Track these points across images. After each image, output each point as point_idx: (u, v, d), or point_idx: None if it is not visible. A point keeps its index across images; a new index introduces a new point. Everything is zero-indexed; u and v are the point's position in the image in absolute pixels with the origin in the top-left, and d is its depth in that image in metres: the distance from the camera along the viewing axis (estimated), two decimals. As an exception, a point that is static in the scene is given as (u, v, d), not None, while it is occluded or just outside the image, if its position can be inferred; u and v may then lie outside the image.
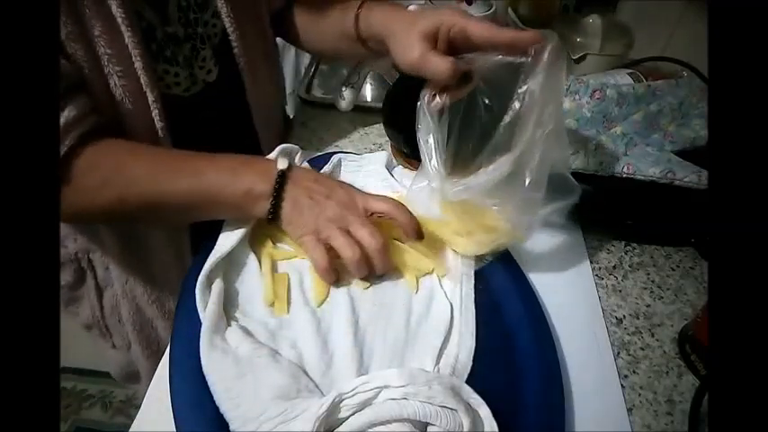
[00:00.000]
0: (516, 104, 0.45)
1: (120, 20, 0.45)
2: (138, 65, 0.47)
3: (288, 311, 0.46)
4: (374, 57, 0.60)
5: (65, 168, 0.44)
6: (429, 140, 0.47)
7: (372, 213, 0.48)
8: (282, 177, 0.47)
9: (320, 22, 0.64)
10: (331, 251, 0.47)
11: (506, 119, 0.45)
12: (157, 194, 0.47)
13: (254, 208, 0.48)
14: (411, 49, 0.47)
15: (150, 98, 0.49)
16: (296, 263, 0.51)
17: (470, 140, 0.50)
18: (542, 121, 0.44)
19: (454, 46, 0.47)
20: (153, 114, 0.50)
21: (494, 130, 0.47)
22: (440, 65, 0.45)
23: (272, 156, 0.53)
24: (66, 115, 0.44)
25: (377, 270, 0.48)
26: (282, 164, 0.48)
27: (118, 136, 0.49)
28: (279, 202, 0.47)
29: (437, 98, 0.47)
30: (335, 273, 0.48)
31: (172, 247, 0.62)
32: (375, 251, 0.46)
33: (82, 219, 0.55)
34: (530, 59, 0.44)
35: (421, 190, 0.50)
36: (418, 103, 0.48)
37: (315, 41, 0.67)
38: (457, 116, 0.49)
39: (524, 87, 0.44)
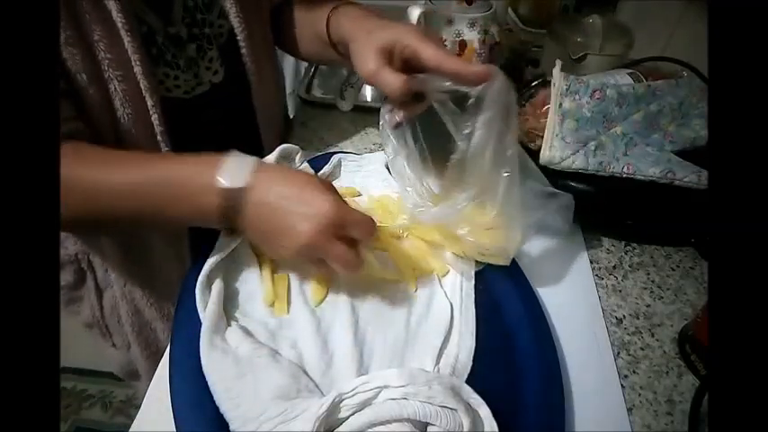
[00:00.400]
0: (463, 142, 0.45)
1: (119, 24, 0.45)
2: (137, 69, 0.47)
3: (288, 311, 0.46)
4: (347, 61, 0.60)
5: None
6: (395, 158, 0.48)
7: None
8: (242, 194, 0.42)
9: (300, 25, 0.65)
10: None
11: (455, 157, 0.46)
12: (110, 188, 0.44)
13: (207, 200, 0.42)
14: (367, 61, 0.48)
15: (150, 102, 0.49)
16: (296, 263, 0.51)
17: (440, 147, 0.50)
18: (500, 161, 0.45)
19: (409, 65, 0.48)
20: (152, 119, 0.50)
21: (445, 149, 0.48)
22: (391, 81, 0.46)
23: (270, 158, 0.53)
24: None
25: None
26: (237, 179, 0.42)
27: (107, 142, 0.48)
28: (237, 219, 0.43)
29: (394, 113, 0.49)
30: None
31: (171, 251, 0.62)
32: (352, 266, 0.43)
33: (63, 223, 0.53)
34: (475, 94, 0.44)
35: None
36: (380, 123, 0.49)
37: (296, 44, 0.67)
38: (420, 128, 0.50)
39: (471, 125, 0.45)
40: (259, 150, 0.66)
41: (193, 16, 0.54)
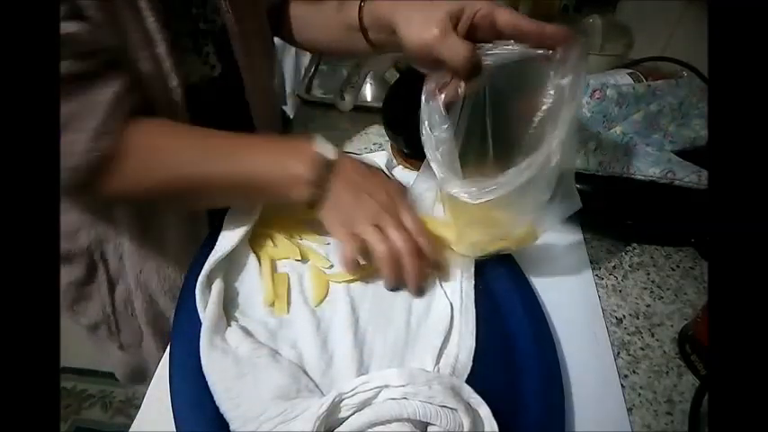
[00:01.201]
0: (546, 101, 0.43)
1: (143, 4, 0.46)
2: (160, 50, 0.48)
3: (288, 311, 0.46)
4: (371, 52, 0.59)
5: (117, 144, 0.44)
6: (437, 137, 0.45)
7: None
8: (328, 167, 0.47)
9: (317, 13, 0.64)
10: (363, 245, 0.47)
11: (538, 116, 0.43)
12: (202, 177, 0.47)
13: (296, 193, 0.47)
14: (428, 28, 0.45)
15: (172, 83, 0.50)
16: (295, 263, 0.51)
17: (475, 141, 0.49)
18: (565, 122, 0.42)
19: (473, 34, 0.46)
20: (174, 100, 0.51)
21: (503, 129, 0.46)
22: (460, 47, 0.43)
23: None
24: (114, 89, 0.44)
25: (406, 272, 0.46)
26: (328, 152, 0.47)
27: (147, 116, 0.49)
28: (322, 192, 0.47)
29: (442, 92, 0.45)
30: (359, 268, 0.48)
31: (188, 235, 0.62)
32: (406, 253, 0.46)
33: (129, 197, 0.53)
34: (557, 56, 0.42)
35: (424, 189, 0.50)
36: (423, 97, 0.46)
37: (310, 34, 0.66)
38: (462, 114, 0.47)
39: (553, 84, 0.42)
40: None
41: (188, 10, 0.54)
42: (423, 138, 0.46)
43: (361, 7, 0.56)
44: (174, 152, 0.47)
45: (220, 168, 0.47)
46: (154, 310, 0.66)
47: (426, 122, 0.46)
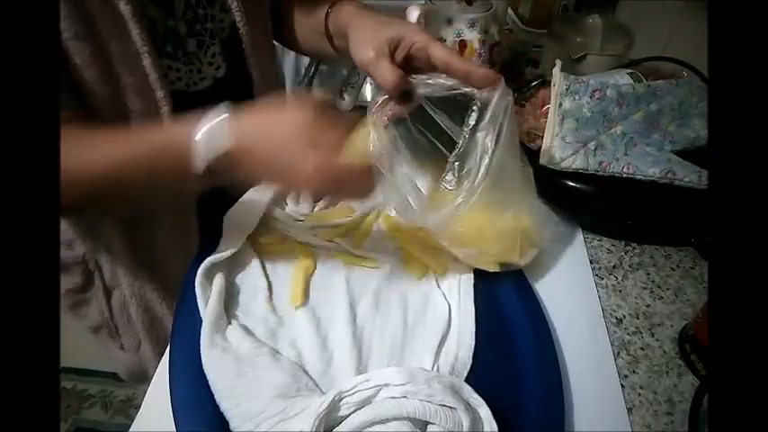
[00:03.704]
0: (463, 140, 0.46)
1: (127, 17, 0.45)
2: (146, 62, 0.47)
3: (302, 302, 0.47)
4: (338, 57, 0.61)
5: None
6: (385, 156, 0.45)
7: None
8: (221, 128, 0.41)
9: (298, 19, 0.66)
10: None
11: (453, 156, 0.46)
12: (107, 168, 0.43)
13: (196, 157, 0.42)
14: (367, 49, 0.49)
15: (159, 95, 0.49)
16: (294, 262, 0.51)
17: (431, 148, 0.50)
18: (503, 165, 0.45)
19: (410, 63, 0.49)
20: (162, 111, 0.50)
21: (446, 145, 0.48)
22: (388, 73, 0.47)
23: None
24: None
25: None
26: (220, 115, 0.42)
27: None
28: (229, 159, 0.41)
29: (387, 109, 0.48)
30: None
31: (180, 244, 0.62)
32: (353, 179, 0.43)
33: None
34: (481, 96, 0.45)
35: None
36: (368, 120, 0.47)
37: (294, 38, 0.67)
38: (413, 128, 0.50)
39: (475, 123, 0.45)
40: None
41: (195, 11, 0.54)
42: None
43: (327, 14, 0.59)
44: (81, 151, 0.43)
45: (116, 151, 0.43)
46: (150, 316, 0.67)
47: (372, 140, 0.46)
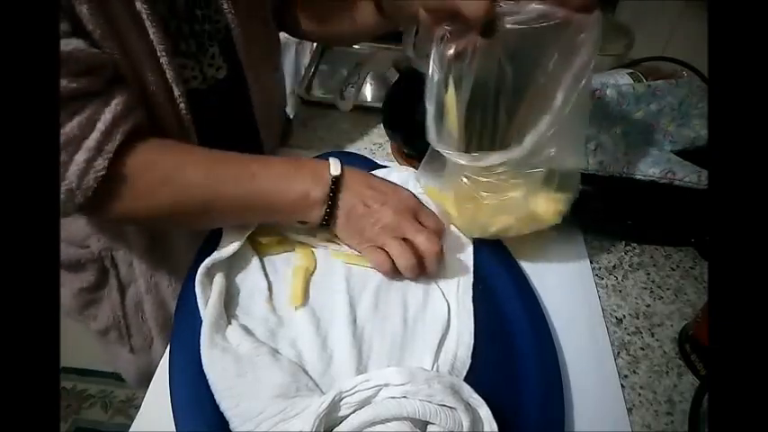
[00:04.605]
0: (552, 62, 0.42)
1: (144, 15, 0.45)
2: (163, 60, 0.48)
3: (302, 303, 0.47)
4: (381, 27, 0.60)
5: (117, 165, 0.43)
6: (441, 94, 0.43)
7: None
8: (336, 183, 0.48)
9: (327, 4, 0.65)
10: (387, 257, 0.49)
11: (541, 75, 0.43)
12: (212, 198, 0.47)
13: (309, 214, 0.48)
14: None
15: (176, 93, 0.50)
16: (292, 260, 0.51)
17: (480, 115, 0.48)
18: (572, 89, 0.42)
19: None
20: (180, 108, 0.51)
21: (509, 112, 0.46)
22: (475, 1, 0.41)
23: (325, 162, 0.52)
24: (113, 109, 0.43)
25: (429, 272, 0.49)
26: (336, 168, 0.48)
27: (153, 132, 0.49)
28: (333, 210, 0.48)
29: (454, 41, 0.43)
30: (396, 271, 0.49)
31: (198, 240, 0.62)
32: (430, 257, 0.47)
33: (135, 219, 0.53)
34: (574, 22, 0.41)
35: (434, 163, 0.50)
36: (433, 42, 0.43)
37: (321, 23, 0.66)
38: (468, 85, 0.45)
39: (567, 47, 0.41)
40: (258, 149, 0.66)
41: (193, 12, 0.54)
42: (426, 88, 0.44)
43: None
44: (179, 174, 0.46)
45: (228, 190, 0.47)
46: (165, 313, 0.67)
47: (431, 77, 0.44)
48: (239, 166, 0.48)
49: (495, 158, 0.44)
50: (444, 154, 0.46)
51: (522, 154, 0.43)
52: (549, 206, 0.50)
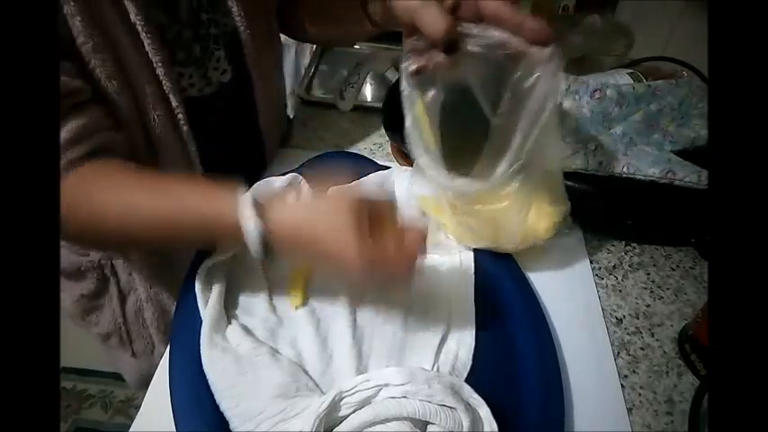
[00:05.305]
0: (509, 97, 0.42)
1: (139, 27, 0.45)
2: (159, 71, 0.48)
3: (302, 303, 0.47)
4: (372, 30, 0.59)
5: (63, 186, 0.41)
6: (414, 114, 0.43)
7: None
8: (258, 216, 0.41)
9: (325, 7, 0.64)
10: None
11: (501, 110, 0.42)
12: (142, 217, 0.44)
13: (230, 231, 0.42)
14: None
15: (174, 102, 0.50)
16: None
17: (456, 136, 0.47)
18: (539, 121, 0.41)
19: (456, 11, 0.43)
20: (178, 118, 0.51)
21: (482, 128, 0.44)
22: (438, 18, 0.41)
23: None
24: (69, 129, 0.42)
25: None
26: (253, 225, 0.40)
27: (139, 147, 0.49)
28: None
29: (416, 58, 0.43)
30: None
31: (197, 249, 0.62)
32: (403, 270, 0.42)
33: (85, 241, 0.53)
34: (532, 52, 0.40)
35: (422, 171, 0.50)
36: (402, 73, 0.43)
37: (316, 26, 0.66)
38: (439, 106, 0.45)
39: (522, 82, 0.41)
40: (260, 148, 0.67)
41: (199, 16, 0.54)
42: (404, 114, 0.44)
43: None
44: (121, 194, 0.44)
45: (161, 208, 0.44)
46: (165, 320, 0.67)
47: (404, 97, 0.44)
48: (173, 181, 0.45)
49: (463, 184, 0.44)
50: (423, 167, 0.45)
51: (490, 186, 0.43)
52: (541, 221, 0.51)
